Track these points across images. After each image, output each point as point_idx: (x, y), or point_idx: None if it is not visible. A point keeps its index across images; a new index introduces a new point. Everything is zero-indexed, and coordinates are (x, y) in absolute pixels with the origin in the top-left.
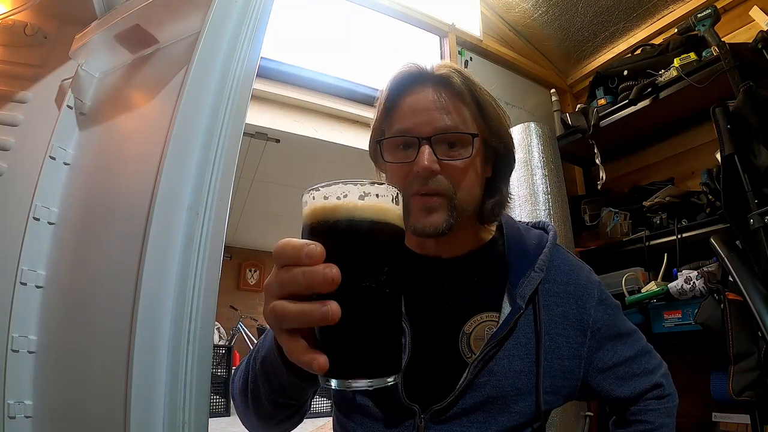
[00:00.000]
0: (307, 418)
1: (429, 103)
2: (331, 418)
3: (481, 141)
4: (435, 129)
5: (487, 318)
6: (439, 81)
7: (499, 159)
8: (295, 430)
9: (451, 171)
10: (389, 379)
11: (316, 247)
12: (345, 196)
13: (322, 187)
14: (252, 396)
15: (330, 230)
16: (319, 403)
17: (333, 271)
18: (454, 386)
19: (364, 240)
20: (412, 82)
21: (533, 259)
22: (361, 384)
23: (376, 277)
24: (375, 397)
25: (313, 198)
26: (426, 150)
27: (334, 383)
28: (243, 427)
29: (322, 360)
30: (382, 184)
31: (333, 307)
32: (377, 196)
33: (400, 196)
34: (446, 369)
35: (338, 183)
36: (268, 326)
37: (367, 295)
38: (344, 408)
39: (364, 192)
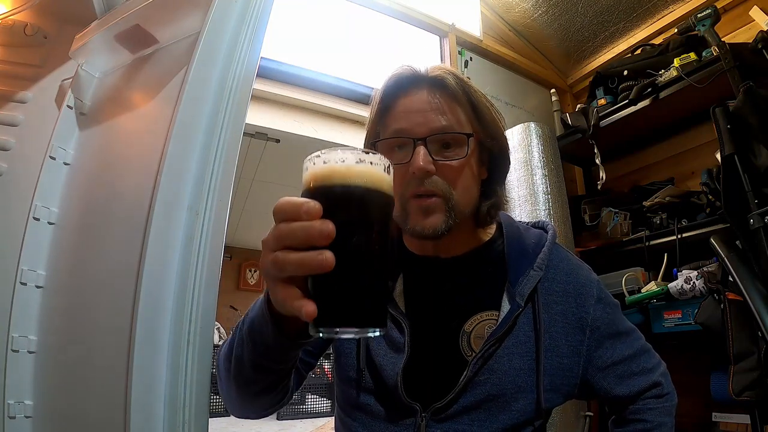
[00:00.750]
0: (307, 418)
1: (424, 104)
2: (330, 419)
3: (476, 142)
4: (430, 129)
5: (487, 316)
6: (434, 83)
7: (494, 161)
8: (295, 430)
9: (446, 171)
10: (374, 331)
11: (314, 205)
12: (343, 161)
13: (323, 153)
14: (235, 361)
15: (327, 192)
16: (319, 403)
17: (328, 226)
18: (454, 384)
19: (357, 201)
20: (406, 84)
21: (532, 258)
22: (348, 333)
23: (366, 235)
24: (377, 396)
25: (314, 164)
26: (421, 150)
27: (322, 332)
28: (243, 427)
29: (311, 307)
30: (376, 153)
31: (328, 255)
32: (371, 163)
33: (391, 168)
34: (447, 367)
35: (337, 150)
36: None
37: (357, 250)
38: (346, 406)
39: (359, 159)
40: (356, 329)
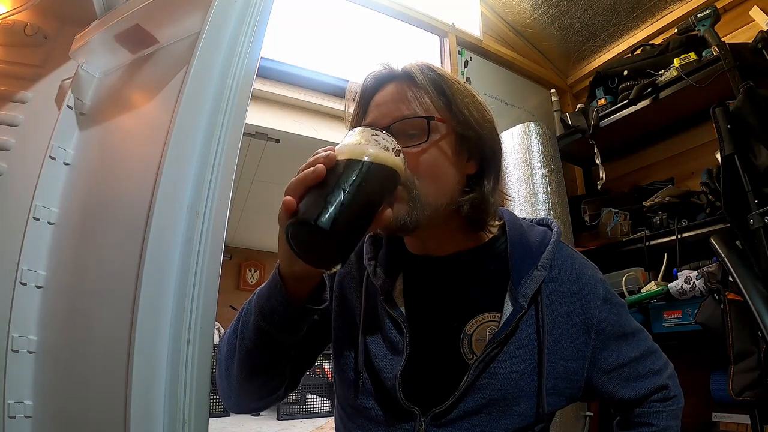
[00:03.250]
0: (307, 418)
1: (389, 96)
2: (330, 419)
3: (448, 128)
4: (393, 119)
5: (488, 318)
6: (403, 76)
7: (481, 154)
8: (295, 430)
9: (408, 159)
10: (336, 261)
11: (328, 151)
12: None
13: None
14: (240, 330)
15: (340, 161)
16: (319, 403)
17: (330, 151)
18: (454, 388)
19: (365, 163)
20: (380, 81)
21: (536, 257)
22: (320, 233)
23: (364, 181)
24: (375, 399)
25: (369, 135)
26: None
27: (299, 221)
28: (243, 427)
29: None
30: (391, 136)
31: (320, 165)
32: (384, 145)
33: (401, 153)
34: (447, 371)
35: (357, 130)
36: None
37: (352, 182)
38: (346, 408)
39: (373, 134)
40: (327, 234)
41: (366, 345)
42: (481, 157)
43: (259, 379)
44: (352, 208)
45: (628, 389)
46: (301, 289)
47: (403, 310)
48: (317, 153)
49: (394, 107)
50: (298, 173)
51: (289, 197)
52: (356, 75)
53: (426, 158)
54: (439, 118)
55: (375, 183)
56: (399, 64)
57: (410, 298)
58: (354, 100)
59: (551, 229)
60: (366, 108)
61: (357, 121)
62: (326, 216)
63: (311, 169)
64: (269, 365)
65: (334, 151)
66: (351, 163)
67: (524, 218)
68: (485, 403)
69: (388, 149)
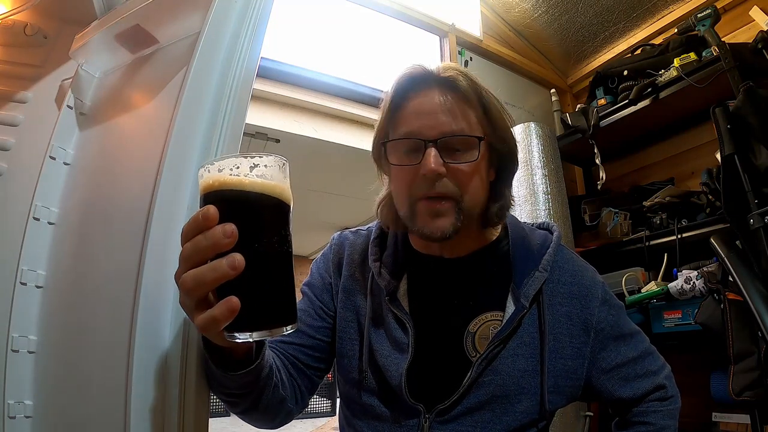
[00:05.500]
0: (307, 418)
1: (435, 106)
2: (330, 418)
3: (486, 144)
4: (441, 132)
5: (491, 317)
6: (445, 83)
7: (502, 162)
8: (295, 430)
9: (457, 174)
10: (287, 329)
11: (209, 209)
12: (237, 167)
13: (216, 161)
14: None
15: (222, 200)
16: (319, 403)
17: (230, 226)
18: (458, 385)
19: (253, 207)
20: (417, 84)
21: (537, 259)
22: (263, 335)
23: (266, 238)
24: (380, 397)
25: (208, 171)
26: (432, 152)
27: (237, 337)
28: (243, 427)
29: (222, 310)
30: (270, 155)
31: (237, 256)
32: (266, 166)
33: (286, 165)
34: (451, 368)
35: (230, 157)
36: None
37: (261, 252)
38: (352, 405)
39: (253, 164)
40: (270, 330)
41: (371, 344)
42: (500, 164)
43: (257, 414)
44: (281, 287)
45: (626, 389)
46: (235, 352)
47: (407, 309)
48: (199, 215)
49: (440, 119)
50: (191, 251)
51: (207, 307)
52: (356, 75)
53: (473, 175)
54: (486, 138)
55: (283, 242)
56: (435, 67)
57: (414, 298)
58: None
59: (552, 233)
60: (397, 111)
61: (385, 123)
62: (265, 315)
63: (227, 261)
64: (254, 405)
65: (230, 223)
66: (258, 235)
67: (525, 222)
68: (488, 400)
69: (276, 174)
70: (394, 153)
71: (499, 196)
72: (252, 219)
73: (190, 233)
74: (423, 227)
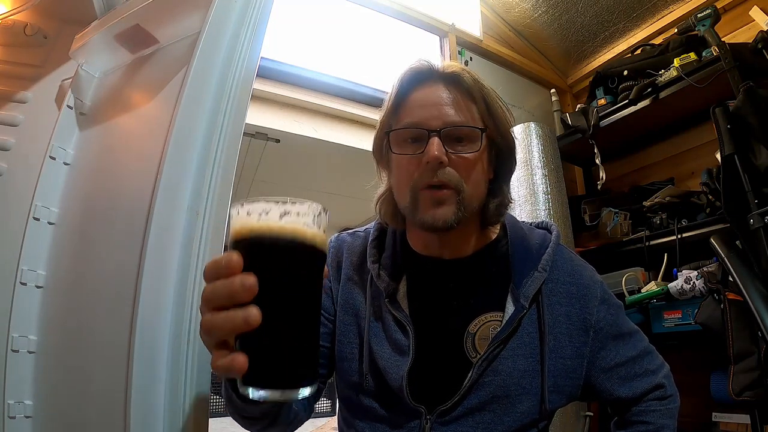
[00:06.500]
0: None
1: (439, 98)
2: (330, 419)
3: (487, 139)
4: (444, 122)
5: (491, 318)
6: (449, 78)
7: (501, 160)
8: (295, 430)
9: (459, 164)
10: (305, 391)
11: (234, 257)
12: (266, 213)
13: (247, 203)
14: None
15: (249, 246)
16: (319, 403)
17: (250, 279)
18: (459, 386)
19: (279, 258)
20: (422, 78)
21: (536, 259)
22: (277, 396)
23: (290, 292)
24: (381, 399)
25: (237, 213)
26: (435, 141)
27: (252, 393)
28: (243, 427)
29: (239, 362)
30: (305, 202)
31: (253, 311)
32: (298, 214)
33: (323, 215)
34: (451, 369)
35: (260, 200)
36: None
37: (284, 307)
38: (352, 407)
39: (284, 210)
40: (286, 391)
41: (371, 347)
42: (498, 162)
43: (274, 429)
44: (302, 347)
45: (625, 388)
46: None
47: (407, 311)
48: (222, 262)
49: (444, 111)
50: (210, 294)
51: (225, 353)
52: (356, 75)
53: (475, 166)
54: (488, 132)
55: (311, 296)
56: (438, 63)
57: (414, 300)
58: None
59: (550, 233)
60: (400, 103)
61: (389, 115)
62: (284, 375)
63: (241, 315)
64: (273, 423)
65: (252, 276)
66: (283, 288)
67: (524, 221)
68: (489, 400)
69: (309, 222)
70: (398, 144)
71: (498, 193)
72: (278, 271)
73: (211, 275)
74: (425, 216)
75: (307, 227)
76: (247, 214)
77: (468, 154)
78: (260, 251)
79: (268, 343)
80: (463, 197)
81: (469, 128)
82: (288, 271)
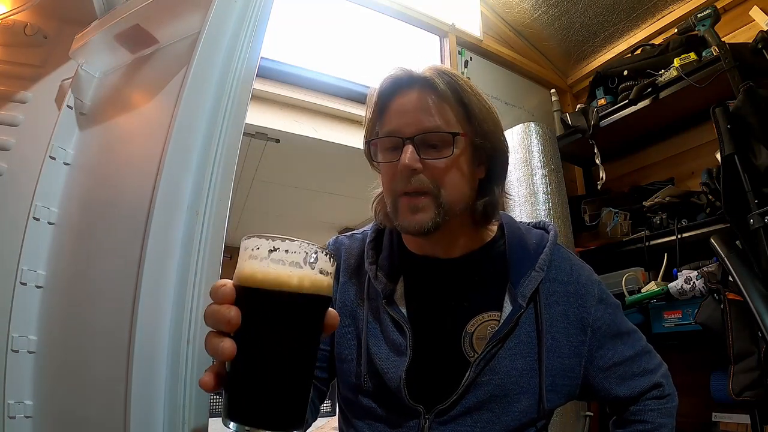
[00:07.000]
0: None
1: (413, 105)
2: (330, 419)
3: (467, 141)
4: (418, 129)
5: (489, 317)
6: (424, 83)
7: (491, 159)
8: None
9: (433, 170)
10: None
11: (226, 289)
12: (269, 250)
13: (251, 238)
14: None
15: (245, 292)
16: None
17: (231, 312)
18: (457, 386)
19: (260, 302)
20: (399, 85)
21: (534, 258)
22: (242, 430)
23: (271, 339)
24: (380, 400)
25: (245, 249)
26: (408, 149)
27: (230, 425)
28: None
29: (221, 344)
30: (323, 249)
31: (226, 344)
32: (286, 252)
33: (330, 262)
34: (449, 369)
35: (263, 237)
36: None
37: (266, 349)
38: (351, 407)
39: (273, 247)
40: (253, 429)
41: (369, 347)
42: (490, 162)
43: None
44: (287, 390)
45: (623, 387)
46: None
47: (404, 311)
48: (218, 288)
49: (418, 117)
50: (206, 315)
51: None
52: (356, 75)
53: (450, 171)
54: (462, 133)
55: (309, 350)
56: (417, 69)
57: (411, 300)
58: (370, 105)
59: (548, 232)
60: (382, 111)
61: (373, 123)
62: (262, 414)
63: (216, 343)
64: None
65: (234, 310)
66: (268, 333)
67: (521, 221)
68: (487, 399)
69: (297, 269)
70: (381, 151)
71: (487, 193)
72: (259, 315)
73: (212, 296)
74: (403, 221)
75: (294, 272)
76: (244, 249)
77: (440, 161)
78: (245, 290)
79: (243, 378)
80: (441, 202)
81: (441, 134)
82: (269, 318)
